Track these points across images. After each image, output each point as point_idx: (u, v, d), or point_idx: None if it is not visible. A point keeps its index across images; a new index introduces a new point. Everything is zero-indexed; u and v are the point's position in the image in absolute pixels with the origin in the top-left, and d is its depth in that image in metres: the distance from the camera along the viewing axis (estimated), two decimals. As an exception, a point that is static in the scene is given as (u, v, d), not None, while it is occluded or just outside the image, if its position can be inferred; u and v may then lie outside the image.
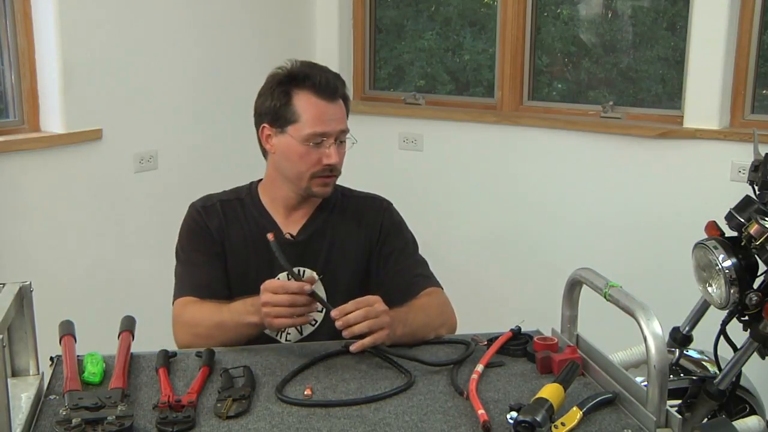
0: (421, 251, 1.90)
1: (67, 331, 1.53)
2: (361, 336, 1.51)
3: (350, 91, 3.76)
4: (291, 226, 1.83)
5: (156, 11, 3.06)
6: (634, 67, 3.43)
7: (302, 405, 1.35)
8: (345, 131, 1.77)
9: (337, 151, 1.74)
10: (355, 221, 1.85)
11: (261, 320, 1.56)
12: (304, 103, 1.73)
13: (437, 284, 1.82)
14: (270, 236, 1.59)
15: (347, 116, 1.81)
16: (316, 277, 1.69)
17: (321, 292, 1.79)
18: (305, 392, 1.39)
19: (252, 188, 1.88)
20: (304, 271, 1.80)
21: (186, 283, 1.78)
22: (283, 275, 1.78)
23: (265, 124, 1.78)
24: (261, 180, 1.88)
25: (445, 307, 1.78)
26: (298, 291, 1.52)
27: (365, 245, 1.85)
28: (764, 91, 3.10)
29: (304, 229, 1.83)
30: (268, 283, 1.55)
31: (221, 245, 1.80)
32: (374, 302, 1.55)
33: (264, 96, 1.78)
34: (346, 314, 1.51)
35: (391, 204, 1.92)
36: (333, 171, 1.76)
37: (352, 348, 1.51)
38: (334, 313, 1.52)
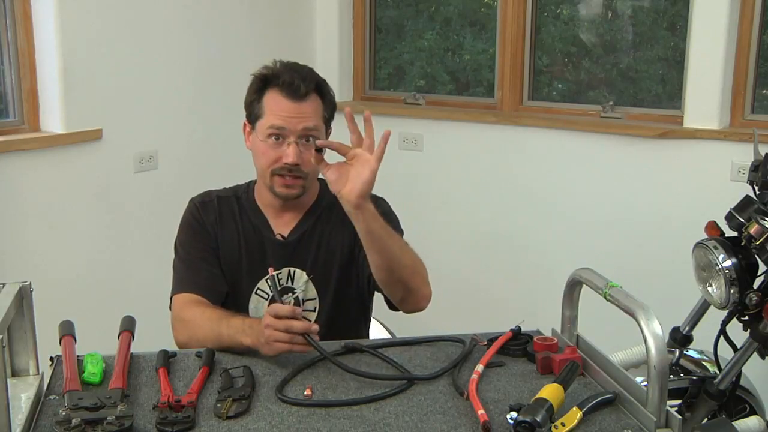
0: (420, 251, 1.89)
1: (67, 331, 1.52)
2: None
3: (350, 90, 3.82)
4: (282, 226, 1.85)
5: (156, 11, 3.06)
6: (634, 67, 3.43)
7: (302, 405, 1.35)
8: (310, 129, 1.73)
9: (296, 152, 1.72)
10: (341, 218, 1.82)
11: (254, 343, 1.54)
12: (270, 100, 1.76)
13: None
14: (270, 270, 1.63)
15: (327, 117, 1.80)
16: (300, 310, 1.57)
17: (312, 292, 1.82)
18: (305, 392, 1.39)
19: (250, 187, 1.90)
20: (294, 271, 1.81)
21: (186, 280, 1.78)
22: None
23: (245, 122, 1.83)
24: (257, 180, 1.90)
25: (422, 265, 1.74)
26: (290, 315, 1.48)
27: (349, 237, 1.82)
28: (764, 91, 3.10)
29: (295, 230, 1.85)
30: (274, 307, 1.51)
31: (216, 241, 1.83)
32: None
33: (246, 94, 1.82)
34: None
35: (382, 199, 1.88)
36: (293, 171, 1.74)
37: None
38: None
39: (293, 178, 1.75)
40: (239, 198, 1.88)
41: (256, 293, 1.82)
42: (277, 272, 1.80)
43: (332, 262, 1.84)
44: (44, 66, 2.76)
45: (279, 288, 1.81)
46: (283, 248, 1.83)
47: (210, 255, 1.82)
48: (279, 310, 1.49)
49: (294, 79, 1.73)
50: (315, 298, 1.83)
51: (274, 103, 1.74)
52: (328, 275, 1.83)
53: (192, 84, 3.24)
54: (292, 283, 1.82)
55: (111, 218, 3.01)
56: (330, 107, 1.81)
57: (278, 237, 1.84)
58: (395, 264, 1.66)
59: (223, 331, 1.60)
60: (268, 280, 1.77)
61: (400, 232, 1.88)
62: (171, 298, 1.79)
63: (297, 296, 1.82)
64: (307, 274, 1.82)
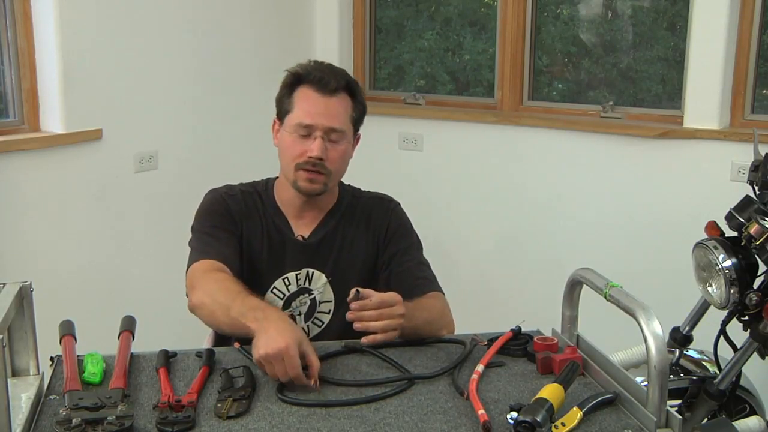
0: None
1: (67, 331, 1.52)
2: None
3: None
4: (303, 228, 1.84)
5: (156, 11, 3.06)
6: (634, 67, 3.43)
7: (302, 405, 1.35)
8: (335, 130, 1.75)
9: (321, 146, 1.73)
10: (363, 223, 1.87)
11: (256, 329, 1.46)
12: (300, 95, 1.77)
13: (439, 289, 1.83)
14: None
15: (356, 119, 1.81)
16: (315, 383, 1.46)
17: (329, 294, 1.82)
18: (311, 382, 1.38)
19: (269, 185, 1.89)
20: (313, 272, 1.82)
21: (208, 249, 1.73)
22: (291, 275, 1.81)
23: (275, 119, 1.84)
24: (277, 178, 1.88)
25: (445, 312, 1.78)
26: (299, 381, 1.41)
27: (372, 247, 1.86)
28: (764, 91, 3.10)
29: (316, 231, 1.84)
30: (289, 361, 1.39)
31: (240, 229, 1.81)
32: (395, 303, 1.55)
33: (279, 90, 1.82)
34: (364, 310, 1.53)
35: (399, 205, 1.93)
36: (316, 166, 1.74)
37: (364, 340, 1.53)
38: (354, 305, 1.53)
39: (316, 173, 1.75)
40: (260, 194, 1.87)
41: (272, 291, 1.81)
42: (295, 272, 1.81)
43: (353, 268, 1.83)
44: (44, 66, 2.76)
45: (297, 288, 1.81)
46: (304, 249, 1.82)
47: (231, 236, 1.78)
48: (293, 371, 1.40)
49: (325, 75, 1.76)
50: (331, 301, 1.82)
51: (304, 97, 1.76)
52: (347, 281, 1.79)
53: (192, 84, 3.24)
54: (310, 285, 1.82)
55: (111, 218, 3.01)
56: (360, 109, 1.82)
57: (299, 238, 1.83)
58: (425, 334, 1.67)
59: (235, 306, 1.53)
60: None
61: (418, 245, 1.90)
62: (187, 270, 1.72)
63: (314, 297, 1.82)
64: (326, 277, 1.82)
